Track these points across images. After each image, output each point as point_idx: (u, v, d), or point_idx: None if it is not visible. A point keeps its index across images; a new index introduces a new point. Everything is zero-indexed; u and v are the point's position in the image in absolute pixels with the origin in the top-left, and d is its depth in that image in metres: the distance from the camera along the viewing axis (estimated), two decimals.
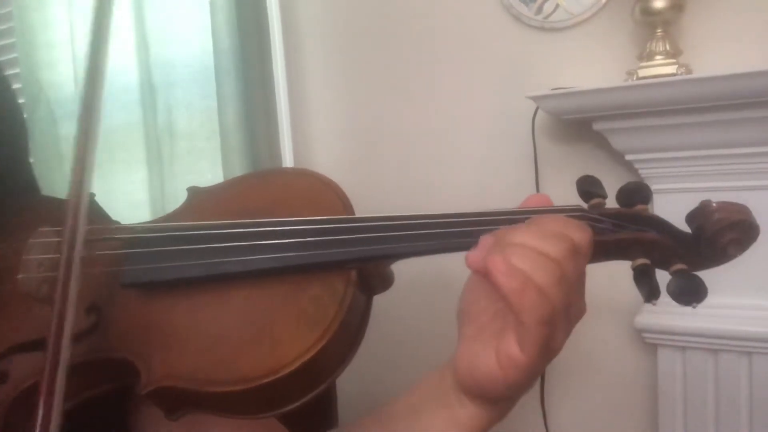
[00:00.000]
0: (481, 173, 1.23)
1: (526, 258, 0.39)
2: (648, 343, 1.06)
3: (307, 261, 0.45)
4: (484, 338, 0.43)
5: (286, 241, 0.46)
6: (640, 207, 0.47)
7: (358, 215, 0.48)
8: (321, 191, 0.52)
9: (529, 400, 1.17)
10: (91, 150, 0.44)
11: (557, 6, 1.13)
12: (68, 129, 1.44)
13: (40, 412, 0.37)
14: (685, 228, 0.46)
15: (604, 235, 0.45)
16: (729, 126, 0.91)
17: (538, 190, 1.15)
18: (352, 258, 0.45)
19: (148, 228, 0.50)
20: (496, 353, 0.41)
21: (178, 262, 0.46)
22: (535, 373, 0.42)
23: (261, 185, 0.55)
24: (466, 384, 0.45)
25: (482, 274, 0.40)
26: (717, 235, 0.43)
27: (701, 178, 0.97)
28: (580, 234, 0.41)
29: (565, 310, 0.40)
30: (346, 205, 0.50)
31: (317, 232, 0.46)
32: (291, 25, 1.38)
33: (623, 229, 0.45)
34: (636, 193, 0.47)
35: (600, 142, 1.06)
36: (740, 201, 0.44)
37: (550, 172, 1.16)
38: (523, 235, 0.40)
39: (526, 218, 0.43)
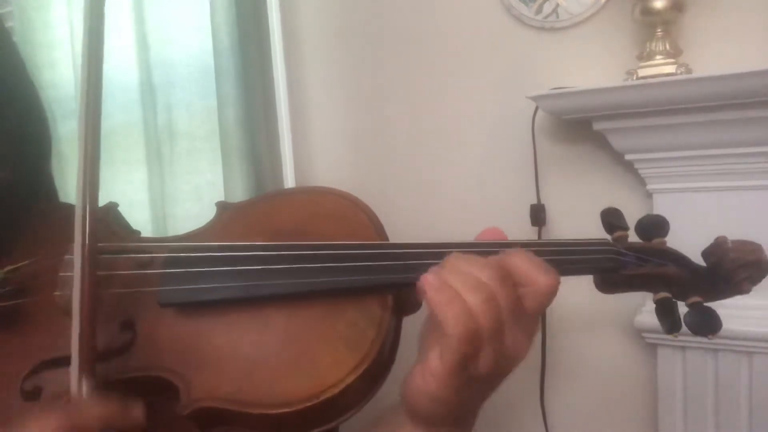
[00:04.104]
0: (481, 173, 1.23)
1: (458, 277, 0.42)
2: (648, 343, 1.06)
3: (347, 286, 0.46)
4: (419, 359, 0.45)
5: (327, 265, 0.46)
6: (659, 240, 0.49)
7: (396, 242, 0.49)
8: (351, 211, 0.52)
9: (529, 400, 1.17)
10: (96, 166, 0.44)
11: (557, 6, 1.13)
12: (68, 129, 1.44)
13: None
14: (700, 261, 0.48)
15: (627, 269, 0.48)
16: (729, 126, 0.91)
17: (538, 189, 1.15)
18: (392, 284, 0.46)
19: (186, 247, 0.50)
20: (421, 367, 0.43)
21: (217, 284, 0.47)
22: (456, 391, 0.42)
23: (290, 204, 0.56)
24: (404, 405, 0.46)
25: (421, 292, 0.43)
26: (733, 273, 0.46)
27: (701, 178, 0.97)
28: (514, 260, 0.43)
29: (494, 333, 0.41)
30: (377, 226, 0.51)
31: (359, 257, 0.47)
32: (291, 25, 1.38)
33: (646, 262, 0.48)
34: (655, 227, 0.50)
35: (600, 142, 1.06)
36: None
37: (550, 171, 1.16)
38: (460, 261, 0.43)
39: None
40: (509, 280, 0.42)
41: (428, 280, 0.42)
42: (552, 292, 0.43)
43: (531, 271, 0.43)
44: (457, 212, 1.25)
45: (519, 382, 1.18)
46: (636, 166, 1.02)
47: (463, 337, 0.40)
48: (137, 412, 0.41)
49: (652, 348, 1.06)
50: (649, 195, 1.03)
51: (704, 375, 0.98)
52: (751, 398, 0.96)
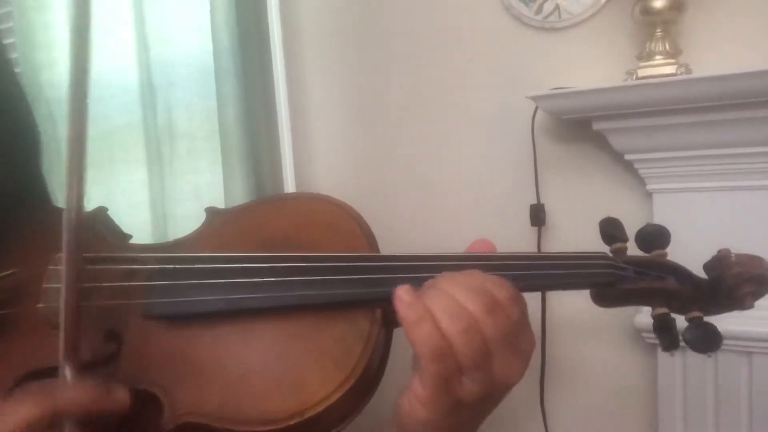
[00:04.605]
0: (481, 173, 1.23)
1: (438, 299, 0.40)
2: (648, 343, 1.06)
3: (334, 299, 0.45)
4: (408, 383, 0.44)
5: (315, 278, 0.45)
6: (659, 252, 0.48)
7: (385, 254, 0.48)
8: (341, 219, 0.52)
9: (529, 400, 1.17)
10: (83, 174, 0.42)
11: (557, 6, 1.13)
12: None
13: None
14: (700, 269, 0.47)
15: (625, 283, 0.46)
16: (729, 126, 0.91)
17: (537, 189, 1.15)
18: (381, 297, 0.44)
19: (172, 258, 0.49)
20: (408, 391, 0.42)
21: (203, 297, 0.46)
22: (445, 415, 0.41)
23: (282, 212, 0.55)
24: (396, 426, 0.45)
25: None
26: (736, 288, 0.45)
27: (701, 178, 0.97)
28: (501, 292, 0.41)
29: (478, 362, 0.40)
30: (368, 237, 0.50)
31: (346, 270, 0.46)
32: (291, 25, 1.38)
33: (645, 276, 0.46)
34: (655, 238, 0.48)
35: (600, 142, 1.06)
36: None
37: (550, 172, 1.16)
38: (447, 282, 0.41)
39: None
40: (499, 309, 0.40)
41: (400, 296, 0.40)
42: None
43: (510, 298, 0.42)
44: (456, 212, 1.25)
45: (519, 382, 1.17)
46: (636, 166, 1.02)
47: (431, 358, 0.39)
48: (121, 394, 0.40)
49: (652, 348, 1.06)
50: (648, 195, 1.02)
51: (704, 375, 0.98)
52: (751, 398, 0.96)
